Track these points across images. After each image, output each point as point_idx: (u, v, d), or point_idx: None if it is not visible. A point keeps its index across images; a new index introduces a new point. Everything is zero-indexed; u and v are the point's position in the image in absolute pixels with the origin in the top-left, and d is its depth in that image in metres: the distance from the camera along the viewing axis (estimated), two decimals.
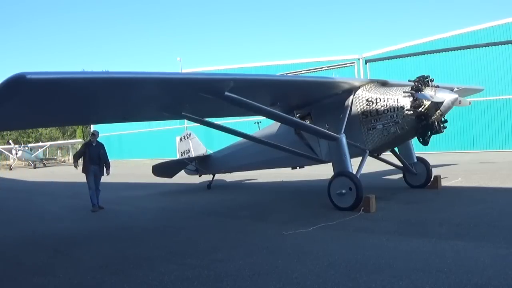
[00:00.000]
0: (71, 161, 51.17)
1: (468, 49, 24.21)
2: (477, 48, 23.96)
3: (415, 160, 10.04)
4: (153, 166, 13.37)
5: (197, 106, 7.67)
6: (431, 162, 10.32)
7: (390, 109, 8.21)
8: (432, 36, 25.81)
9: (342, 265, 4.54)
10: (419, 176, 9.99)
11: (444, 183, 10.27)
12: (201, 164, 13.18)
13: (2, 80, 4.33)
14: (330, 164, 8.65)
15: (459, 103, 8.50)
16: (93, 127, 50.26)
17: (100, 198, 10.29)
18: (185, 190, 13.57)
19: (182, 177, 14.46)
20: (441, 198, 8.74)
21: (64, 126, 57.15)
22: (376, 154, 9.67)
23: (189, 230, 7.26)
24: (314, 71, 29.48)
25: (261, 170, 12.84)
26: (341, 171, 7.94)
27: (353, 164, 8.07)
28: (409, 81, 8.40)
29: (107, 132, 45.72)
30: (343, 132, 8.13)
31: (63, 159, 52.09)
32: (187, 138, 14.39)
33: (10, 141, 43.22)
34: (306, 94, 8.85)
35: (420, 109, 7.87)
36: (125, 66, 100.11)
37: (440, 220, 6.43)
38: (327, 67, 29.24)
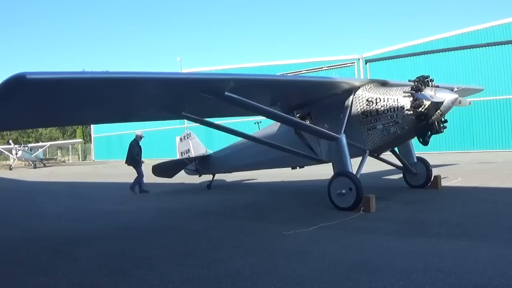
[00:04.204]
0: (72, 161, 51.35)
1: (468, 49, 24.24)
2: (477, 48, 23.98)
3: (415, 160, 10.03)
4: (153, 166, 13.37)
5: (197, 106, 7.67)
6: (431, 162, 10.32)
7: (390, 109, 8.20)
8: (432, 36, 25.85)
9: (342, 265, 4.53)
10: (419, 176, 9.99)
11: (444, 183, 10.26)
12: (201, 164, 13.17)
13: (2, 80, 4.32)
14: (330, 164, 8.65)
15: (459, 103, 8.49)
16: (93, 127, 50.47)
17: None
18: (185, 190, 13.57)
19: (182, 177, 14.45)
20: (441, 198, 8.74)
21: (64, 126, 57.16)
22: (376, 154, 9.67)
23: (189, 230, 7.26)
24: (314, 71, 29.52)
25: (261, 170, 12.83)
26: (341, 171, 7.93)
27: (353, 164, 8.07)
28: (409, 81, 8.40)
29: (107, 132, 45.83)
30: (343, 132, 8.13)
31: (63, 159, 52.06)
32: (187, 138, 14.38)
33: (10, 141, 43.22)
34: (306, 94, 8.84)
35: (420, 109, 7.86)
36: (125, 66, 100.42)
37: (440, 220, 6.43)
38: (327, 67, 29.28)
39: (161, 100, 7.07)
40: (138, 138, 13.41)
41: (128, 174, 19.18)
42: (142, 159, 13.40)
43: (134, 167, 13.21)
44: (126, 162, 13.48)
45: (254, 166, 11.66)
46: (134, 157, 13.12)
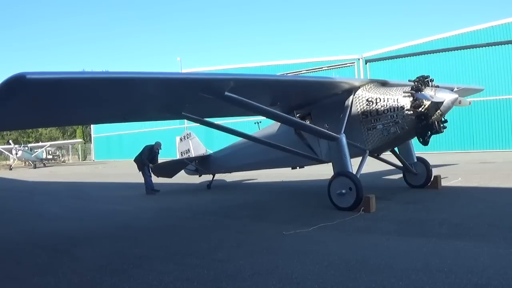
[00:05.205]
0: (71, 161, 51.36)
1: (468, 49, 24.24)
2: (477, 48, 23.98)
3: (415, 160, 10.03)
4: (153, 166, 13.37)
5: (197, 106, 7.66)
6: (431, 162, 10.31)
7: (390, 109, 8.20)
8: (432, 36, 25.85)
9: (342, 265, 4.54)
10: (419, 176, 9.99)
11: (444, 183, 10.26)
12: (201, 164, 13.17)
13: (2, 80, 4.32)
14: (330, 164, 8.65)
15: (459, 103, 8.49)
16: (93, 127, 50.47)
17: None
18: (185, 190, 13.58)
19: (182, 177, 14.46)
20: (441, 198, 8.74)
21: (64, 126, 57.19)
22: (376, 154, 9.67)
23: (189, 230, 7.26)
24: (314, 71, 29.52)
25: (261, 170, 12.84)
26: (341, 171, 7.93)
27: (353, 164, 8.07)
28: (409, 81, 8.40)
29: (107, 132, 45.84)
30: (343, 132, 8.13)
31: (63, 159, 52.03)
32: (187, 138, 14.39)
33: (10, 141, 43.21)
34: (306, 94, 8.84)
35: (420, 109, 7.85)
36: (125, 66, 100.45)
37: (440, 220, 6.43)
38: (327, 67, 29.28)
39: (161, 100, 7.07)
40: (155, 147, 13.37)
41: (128, 174, 19.18)
42: (151, 164, 13.25)
43: (139, 168, 13.36)
44: (135, 161, 13.65)
45: (254, 166, 11.66)
46: (143, 160, 13.18)
